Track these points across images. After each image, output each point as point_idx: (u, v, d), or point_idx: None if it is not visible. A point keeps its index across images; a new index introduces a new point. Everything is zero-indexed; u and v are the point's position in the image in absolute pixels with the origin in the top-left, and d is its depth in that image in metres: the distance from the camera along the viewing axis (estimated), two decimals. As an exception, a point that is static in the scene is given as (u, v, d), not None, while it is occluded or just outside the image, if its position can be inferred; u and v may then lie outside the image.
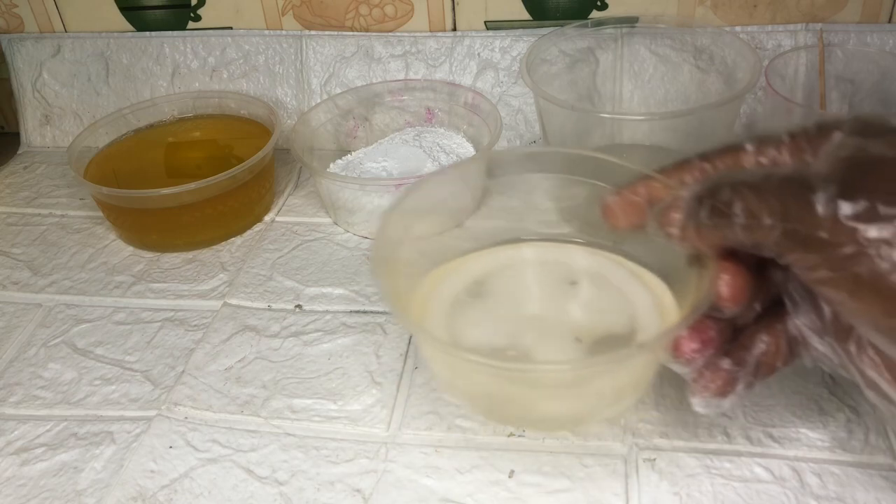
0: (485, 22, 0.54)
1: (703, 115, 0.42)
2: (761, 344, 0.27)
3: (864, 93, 0.46)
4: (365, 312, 0.42)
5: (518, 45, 0.53)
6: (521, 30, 0.53)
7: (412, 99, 0.54)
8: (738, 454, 0.33)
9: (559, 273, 0.34)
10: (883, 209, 0.22)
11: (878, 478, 0.31)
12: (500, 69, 0.54)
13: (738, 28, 0.51)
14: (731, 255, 0.26)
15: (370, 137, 0.54)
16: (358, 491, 0.32)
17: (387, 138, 0.52)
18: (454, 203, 0.36)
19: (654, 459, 0.33)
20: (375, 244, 0.31)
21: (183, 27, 0.58)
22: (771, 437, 0.33)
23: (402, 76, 0.55)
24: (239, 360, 0.40)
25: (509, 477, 0.33)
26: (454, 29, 0.55)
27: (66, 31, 0.59)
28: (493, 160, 0.38)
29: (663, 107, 0.52)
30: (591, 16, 0.53)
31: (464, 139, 0.52)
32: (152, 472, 0.34)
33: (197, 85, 0.58)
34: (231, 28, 0.57)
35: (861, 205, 0.22)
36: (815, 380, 0.35)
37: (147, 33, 0.58)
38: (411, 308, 0.32)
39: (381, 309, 0.42)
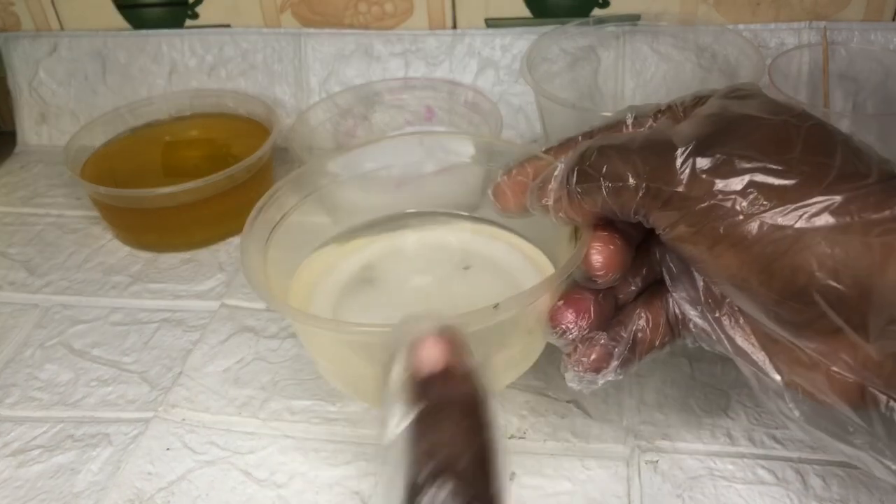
0: (485, 20, 0.54)
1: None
2: (639, 320, 0.27)
3: (868, 91, 0.46)
4: (364, 313, 0.42)
5: (519, 43, 0.53)
6: (521, 28, 0.53)
7: (412, 98, 0.54)
8: (741, 456, 0.32)
9: (452, 257, 0.34)
10: (738, 163, 0.22)
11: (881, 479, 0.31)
12: (500, 67, 0.53)
13: (740, 26, 0.50)
14: (608, 227, 0.26)
15: (370, 136, 0.54)
16: (357, 493, 0.32)
17: (387, 137, 0.52)
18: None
19: (657, 461, 0.32)
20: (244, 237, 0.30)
21: (180, 25, 0.58)
22: (774, 438, 0.33)
23: (401, 74, 0.55)
24: (237, 361, 0.39)
25: (510, 479, 0.32)
26: (454, 27, 0.54)
27: (62, 30, 0.59)
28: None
29: (665, 105, 0.51)
30: (592, 13, 0.52)
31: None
32: (149, 474, 0.34)
33: (195, 83, 0.58)
34: (229, 26, 0.57)
35: (717, 159, 0.22)
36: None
37: (144, 31, 0.58)
38: (294, 293, 0.32)
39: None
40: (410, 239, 0.35)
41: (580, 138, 0.28)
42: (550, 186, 0.26)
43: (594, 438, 0.34)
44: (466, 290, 0.32)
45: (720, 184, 0.22)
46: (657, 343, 0.27)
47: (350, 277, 0.33)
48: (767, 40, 0.50)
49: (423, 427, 0.18)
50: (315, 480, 0.33)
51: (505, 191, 0.28)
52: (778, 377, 0.24)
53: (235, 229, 0.49)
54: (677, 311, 0.27)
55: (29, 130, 0.61)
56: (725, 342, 0.25)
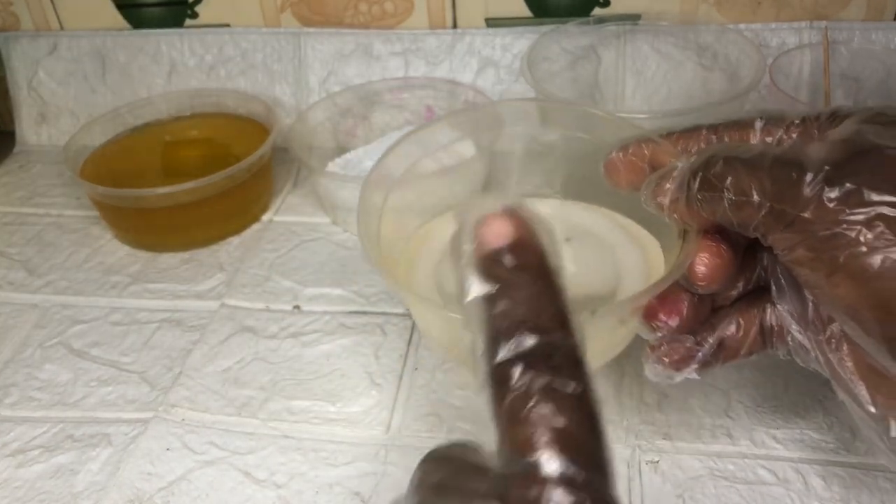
0: (485, 19, 0.54)
1: (706, 114, 0.41)
2: (730, 326, 0.27)
3: (869, 90, 0.46)
4: (364, 313, 0.42)
5: (519, 42, 0.53)
6: (522, 27, 0.53)
7: (412, 97, 0.54)
8: (742, 456, 0.32)
9: (556, 228, 0.34)
10: (867, 194, 0.22)
11: (882, 479, 0.31)
12: (500, 67, 0.53)
13: (741, 26, 0.50)
14: (719, 234, 0.26)
15: (369, 136, 0.54)
16: (357, 494, 0.32)
17: (386, 137, 0.52)
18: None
19: (657, 461, 0.32)
20: (361, 206, 0.30)
21: (180, 24, 0.57)
22: (775, 438, 0.33)
23: (401, 74, 0.55)
24: (237, 362, 0.39)
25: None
26: (454, 26, 0.54)
27: (62, 29, 0.59)
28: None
29: (666, 105, 0.51)
30: (593, 13, 0.52)
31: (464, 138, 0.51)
32: (149, 474, 0.34)
33: (194, 83, 0.58)
34: (229, 25, 0.57)
35: (847, 189, 0.22)
36: (819, 380, 0.35)
37: (144, 31, 0.58)
38: (400, 261, 0.32)
39: (380, 310, 0.42)
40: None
41: (705, 130, 0.27)
42: (668, 186, 0.25)
43: (595, 439, 0.34)
44: (568, 264, 0.33)
45: (846, 213, 0.22)
46: (744, 351, 0.27)
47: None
48: (768, 40, 0.50)
49: (499, 293, 0.18)
50: (315, 481, 0.33)
51: (618, 166, 0.28)
52: (873, 409, 0.24)
53: (235, 229, 0.49)
54: (775, 322, 0.27)
55: (28, 130, 0.60)
56: (824, 364, 0.25)
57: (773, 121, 0.26)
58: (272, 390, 0.37)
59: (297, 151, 0.48)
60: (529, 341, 0.17)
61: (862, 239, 0.21)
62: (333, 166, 0.50)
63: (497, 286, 0.18)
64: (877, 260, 0.21)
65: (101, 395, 0.38)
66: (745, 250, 0.27)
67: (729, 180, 0.24)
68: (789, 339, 0.26)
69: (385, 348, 0.39)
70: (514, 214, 0.19)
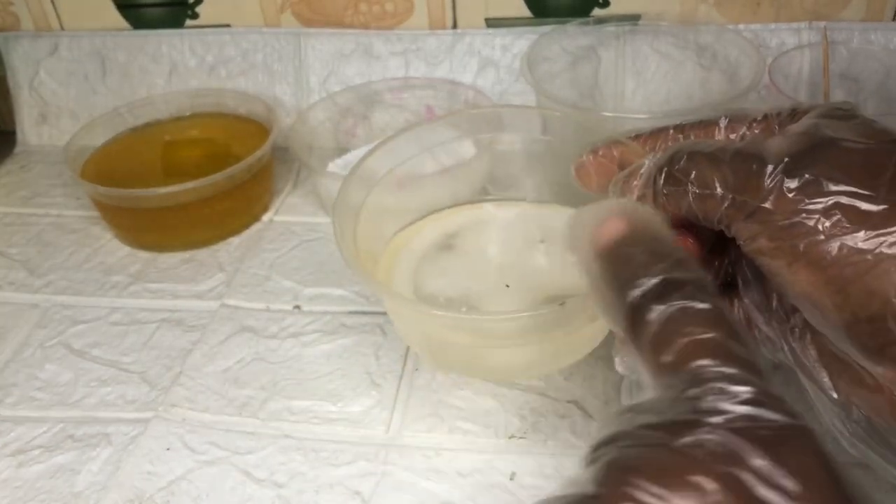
0: (485, 19, 0.54)
1: (705, 114, 0.41)
2: None
3: (869, 91, 0.46)
4: (364, 313, 0.42)
5: (519, 42, 0.53)
6: (522, 27, 0.53)
7: (412, 97, 0.54)
8: (742, 456, 0.32)
9: (530, 231, 0.36)
10: (825, 184, 0.22)
11: (882, 480, 0.31)
12: (500, 67, 0.53)
13: (741, 26, 0.50)
14: (687, 228, 0.26)
15: (370, 136, 0.54)
16: (357, 493, 0.32)
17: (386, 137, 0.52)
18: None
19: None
20: (336, 208, 0.32)
21: (180, 25, 0.57)
22: (775, 439, 0.33)
23: (401, 74, 0.55)
24: (237, 362, 0.39)
25: (510, 479, 0.32)
26: (454, 26, 0.54)
27: (62, 30, 0.59)
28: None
29: (666, 105, 0.51)
30: (592, 13, 0.52)
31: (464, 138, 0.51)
32: (149, 474, 0.34)
33: (194, 83, 0.58)
34: (229, 25, 0.57)
35: (805, 179, 0.23)
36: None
37: (144, 31, 0.58)
38: (380, 263, 0.34)
39: (380, 310, 0.42)
40: (492, 210, 0.37)
41: (671, 130, 0.28)
42: (635, 182, 0.26)
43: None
44: (541, 263, 0.34)
45: (805, 203, 0.22)
46: None
47: (432, 243, 0.35)
48: (768, 40, 0.50)
49: (623, 252, 0.21)
50: (315, 480, 0.33)
51: (588, 170, 0.29)
52: (835, 395, 0.24)
53: (235, 229, 0.49)
54: (742, 317, 0.27)
55: (29, 130, 0.60)
56: (789, 353, 0.26)
57: (737, 118, 0.27)
58: (272, 390, 0.37)
59: (298, 151, 0.48)
60: (655, 280, 0.19)
61: (820, 227, 0.22)
62: (334, 166, 0.50)
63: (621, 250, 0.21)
64: (834, 246, 0.22)
65: (102, 395, 0.38)
66: (712, 247, 0.28)
67: (693, 174, 0.24)
68: (756, 332, 0.27)
69: (385, 348, 0.39)
70: (626, 211, 0.22)
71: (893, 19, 0.49)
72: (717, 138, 0.27)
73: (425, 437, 0.34)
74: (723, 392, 0.17)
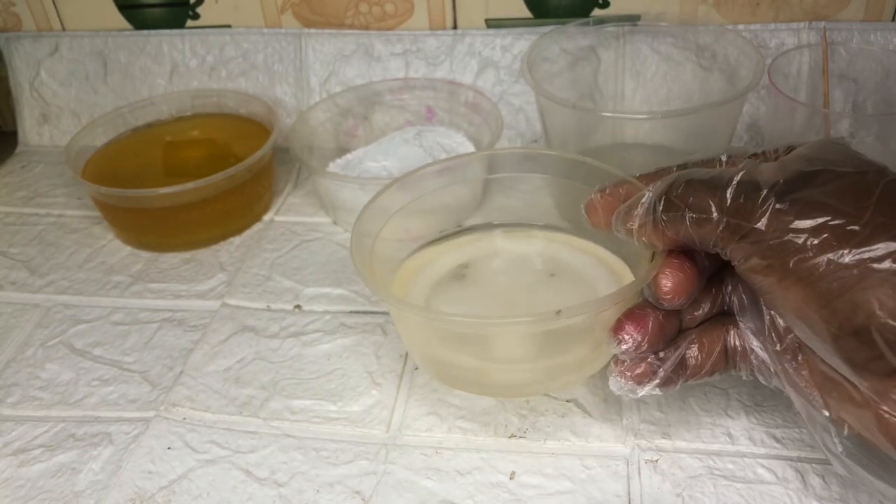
0: (485, 20, 0.54)
1: (705, 114, 0.42)
2: (693, 346, 0.29)
3: (868, 91, 0.46)
4: (364, 313, 0.42)
5: (519, 43, 0.53)
6: (522, 28, 0.53)
7: (412, 98, 0.54)
8: (741, 455, 0.32)
9: (541, 264, 0.37)
10: (815, 206, 0.24)
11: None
12: (500, 68, 0.53)
13: (740, 26, 0.50)
14: (683, 255, 0.28)
15: (370, 136, 0.54)
16: (358, 493, 0.32)
17: (387, 137, 0.52)
18: (453, 202, 0.38)
19: (657, 461, 0.32)
20: (354, 236, 0.33)
21: (181, 25, 0.58)
22: (774, 437, 0.33)
23: (402, 75, 0.55)
24: (238, 361, 0.39)
25: (510, 478, 0.32)
26: (455, 27, 0.54)
27: (63, 30, 0.59)
28: (493, 159, 0.40)
29: (665, 106, 0.51)
30: (592, 14, 0.52)
31: (464, 138, 0.51)
32: (150, 473, 0.34)
33: (195, 83, 0.58)
34: (230, 26, 0.57)
35: (796, 201, 0.24)
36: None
37: (145, 32, 0.58)
38: (392, 286, 0.35)
39: (381, 309, 0.42)
40: (504, 244, 0.39)
41: (675, 168, 0.29)
42: (637, 212, 0.28)
43: (594, 438, 0.34)
44: (550, 296, 0.35)
45: (795, 223, 0.24)
46: (706, 370, 0.29)
47: (447, 271, 0.37)
48: (767, 40, 0.50)
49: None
50: (316, 480, 0.33)
51: (597, 207, 0.31)
52: (826, 413, 0.25)
53: (236, 229, 0.49)
54: (738, 343, 0.29)
55: (30, 130, 0.61)
56: (783, 375, 0.27)
57: (736, 155, 0.29)
58: (273, 389, 0.37)
59: (298, 152, 0.48)
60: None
61: (808, 245, 0.23)
62: (334, 167, 0.50)
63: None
64: (821, 262, 0.23)
65: (103, 395, 0.38)
66: (710, 277, 0.29)
67: (690, 200, 0.26)
68: (752, 357, 0.28)
69: (385, 348, 0.39)
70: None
71: (893, 19, 0.49)
72: None
73: (425, 437, 0.34)
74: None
